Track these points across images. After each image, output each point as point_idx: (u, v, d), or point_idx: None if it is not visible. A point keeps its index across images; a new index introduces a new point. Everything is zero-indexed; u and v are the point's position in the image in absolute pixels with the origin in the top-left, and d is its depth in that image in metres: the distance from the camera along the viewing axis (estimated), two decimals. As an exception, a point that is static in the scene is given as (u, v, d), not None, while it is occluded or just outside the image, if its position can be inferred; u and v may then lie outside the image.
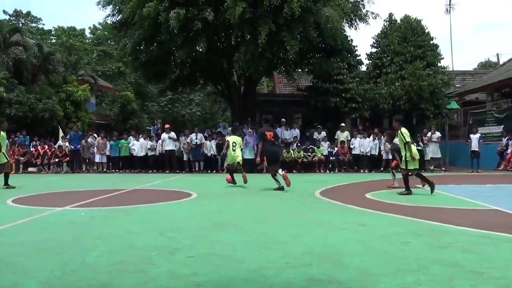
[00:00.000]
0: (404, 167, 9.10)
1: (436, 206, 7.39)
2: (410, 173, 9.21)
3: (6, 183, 10.77)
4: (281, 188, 9.96)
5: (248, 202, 7.96)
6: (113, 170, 18.67)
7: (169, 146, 17.88)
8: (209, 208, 7.24)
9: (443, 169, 17.79)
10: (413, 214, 6.34)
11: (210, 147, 18.07)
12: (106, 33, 43.41)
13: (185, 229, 5.32)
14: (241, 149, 11.94)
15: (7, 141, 12.17)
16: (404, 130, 9.08)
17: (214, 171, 17.58)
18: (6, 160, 10.79)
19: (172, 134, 18.05)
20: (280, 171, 10.08)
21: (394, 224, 5.57)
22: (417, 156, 9.15)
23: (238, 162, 11.32)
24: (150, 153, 18.42)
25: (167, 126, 18.71)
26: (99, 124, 28.13)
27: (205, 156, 18.04)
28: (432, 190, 8.93)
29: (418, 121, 21.42)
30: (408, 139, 8.96)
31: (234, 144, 11.37)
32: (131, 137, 19.00)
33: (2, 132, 10.62)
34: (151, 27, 17.31)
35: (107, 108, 32.52)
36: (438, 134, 18.23)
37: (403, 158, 9.08)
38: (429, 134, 18.10)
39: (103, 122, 29.21)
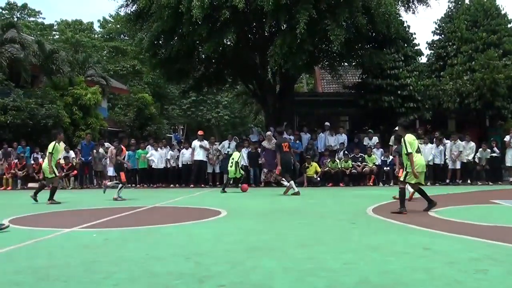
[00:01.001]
0: (402, 179, 9.08)
1: (518, 226, 7.15)
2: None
3: (51, 198, 11.77)
4: (297, 193, 12.68)
5: (288, 222, 7.94)
6: (129, 185, 18.99)
7: (200, 155, 18.12)
8: (242, 228, 7.27)
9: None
10: (490, 235, 6.18)
11: (241, 157, 18.19)
12: (118, 26, 44.47)
13: (214, 253, 5.36)
14: (237, 163, 15.24)
15: None
16: (409, 137, 8.99)
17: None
18: (54, 175, 12.07)
19: (205, 142, 18.39)
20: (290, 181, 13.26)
21: (466, 248, 5.44)
22: (422, 169, 8.91)
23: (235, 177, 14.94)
24: (170, 165, 18.72)
25: (200, 133, 18.93)
26: (112, 131, 28.65)
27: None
28: (428, 209, 8.81)
29: (493, 122, 20.92)
30: (411, 149, 8.78)
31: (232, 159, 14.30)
32: (149, 146, 19.34)
33: (57, 144, 12.00)
34: (171, 18, 17.62)
35: (121, 113, 33.19)
36: None
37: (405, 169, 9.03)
38: (507, 138, 17.66)
39: (117, 129, 29.76)
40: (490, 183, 17.22)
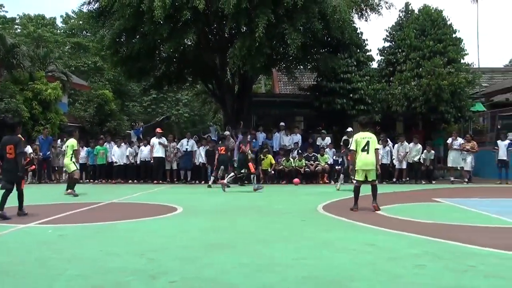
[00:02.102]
0: (353, 175, 9.65)
1: (457, 223, 7.41)
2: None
3: (68, 188, 12.63)
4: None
5: (243, 219, 7.96)
6: (87, 180, 18.64)
7: (159, 152, 17.97)
8: (198, 225, 7.23)
9: (466, 180, 17.86)
10: (430, 232, 6.36)
11: (199, 154, 18.16)
12: (81, 22, 43.46)
13: (169, 250, 5.32)
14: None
15: None
16: (358, 136, 9.29)
17: (203, 182, 17.61)
18: (76, 168, 13.03)
19: (163, 139, 18.22)
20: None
21: (408, 244, 5.59)
22: (365, 167, 9.08)
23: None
24: (129, 161, 18.50)
25: (158, 130, 18.72)
26: (72, 127, 28.01)
27: (193, 165, 18.18)
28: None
29: (437, 126, 21.51)
30: (354, 147, 9.26)
31: None
32: (107, 143, 19.00)
33: (74, 141, 12.89)
34: (133, 17, 17.33)
35: (81, 109, 32.42)
36: (460, 140, 18.31)
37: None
38: (450, 140, 18.41)
39: (77, 125, 29.12)
40: (433, 182, 17.74)
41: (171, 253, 5.10)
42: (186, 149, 18.18)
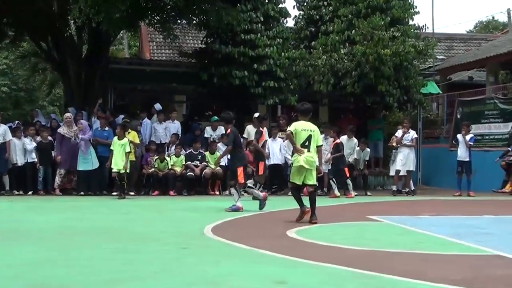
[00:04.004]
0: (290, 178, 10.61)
1: (400, 250, 7.71)
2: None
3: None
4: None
5: (92, 248, 7.77)
6: None
7: None
8: (20, 257, 6.99)
9: (407, 189, 18.63)
10: (362, 263, 6.53)
11: (22, 149, 17.41)
12: None
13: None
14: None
15: None
16: (297, 125, 10.22)
17: (31, 192, 17.16)
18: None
19: None
20: None
21: (332, 281, 5.71)
22: (309, 166, 10.10)
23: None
24: None
25: None
26: None
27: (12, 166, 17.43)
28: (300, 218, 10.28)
29: (375, 112, 22.23)
30: (293, 138, 10.14)
31: None
32: None
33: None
34: None
35: None
36: (413, 134, 19.03)
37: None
38: (399, 133, 18.87)
39: None
40: (369, 194, 18.46)
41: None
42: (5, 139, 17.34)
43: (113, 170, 15.86)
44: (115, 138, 16.27)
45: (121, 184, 15.90)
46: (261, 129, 16.07)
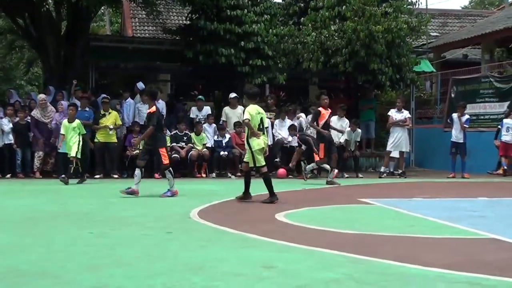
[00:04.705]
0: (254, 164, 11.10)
1: (391, 233, 7.70)
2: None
3: None
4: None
5: (70, 233, 7.75)
6: None
7: None
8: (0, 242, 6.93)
9: (399, 171, 18.66)
10: (353, 247, 6.51)
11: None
12: None
13: None
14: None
15: None
16: (250, 109, 10.94)
17: (10, 175, 17.12)
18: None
19: None
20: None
21: (323, 265, 5.67)
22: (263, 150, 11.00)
23: None
24: None
25: None
26: None
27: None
28: (242, 198, 11.14)
29: (366, 92, 22.23)
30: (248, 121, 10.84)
31: None
32: None
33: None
34: None
35: None
36: (406, 114, 18.99)
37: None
38: (392, 113, 18.88)
39: None
40: (360, 176, 18.41)
41: None
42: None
43: (70, 155, 15.03)
44: (65, 121, 15.57)
45: (75, 169, 15.13)
46: (318, 108, 15.70)
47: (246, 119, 10.80)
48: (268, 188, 10.76)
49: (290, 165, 17.71)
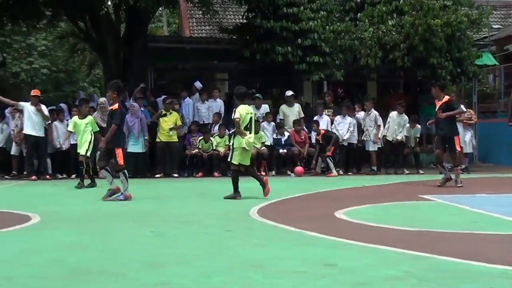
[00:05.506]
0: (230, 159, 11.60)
1: (454, 230, 7.65)
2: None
3: None
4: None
5: (131, 232, 7.90)
6: None
7: (34, 128, 16.89)
8: (60, 242, 7.11)
9: (462, 166, 18.44)
10: (415, 244, 6.53)
11: (59, 133, 17.71)
12: None
13: (14, 279, 5.20)
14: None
15: None
16: (241, 109, 11.42)
17: (74, 176, 17.20)
18: None
19: (44, 107, 17.24)
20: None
21: (383, 263, 5.69)
22: (249, 148, 11.66)
23: None
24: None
25: (35, 93, 17.45)
26: None
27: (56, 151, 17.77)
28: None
29: (425, 87, 21.98)
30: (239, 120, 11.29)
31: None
32: None
33: None
34: None
35: None
36: (462, 107, 18.67)
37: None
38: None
39: None
40: (421, 172, 18.28)
41: (17, 284, 5.00)
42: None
43: (80, 154, 14.53)
44: (75, 117, 15.14)
45: (86, 170, 14.68)
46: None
47: (236, 118, 11.26)
48: (233, 185, 11.38)
49: (313, 162, 18.09)
